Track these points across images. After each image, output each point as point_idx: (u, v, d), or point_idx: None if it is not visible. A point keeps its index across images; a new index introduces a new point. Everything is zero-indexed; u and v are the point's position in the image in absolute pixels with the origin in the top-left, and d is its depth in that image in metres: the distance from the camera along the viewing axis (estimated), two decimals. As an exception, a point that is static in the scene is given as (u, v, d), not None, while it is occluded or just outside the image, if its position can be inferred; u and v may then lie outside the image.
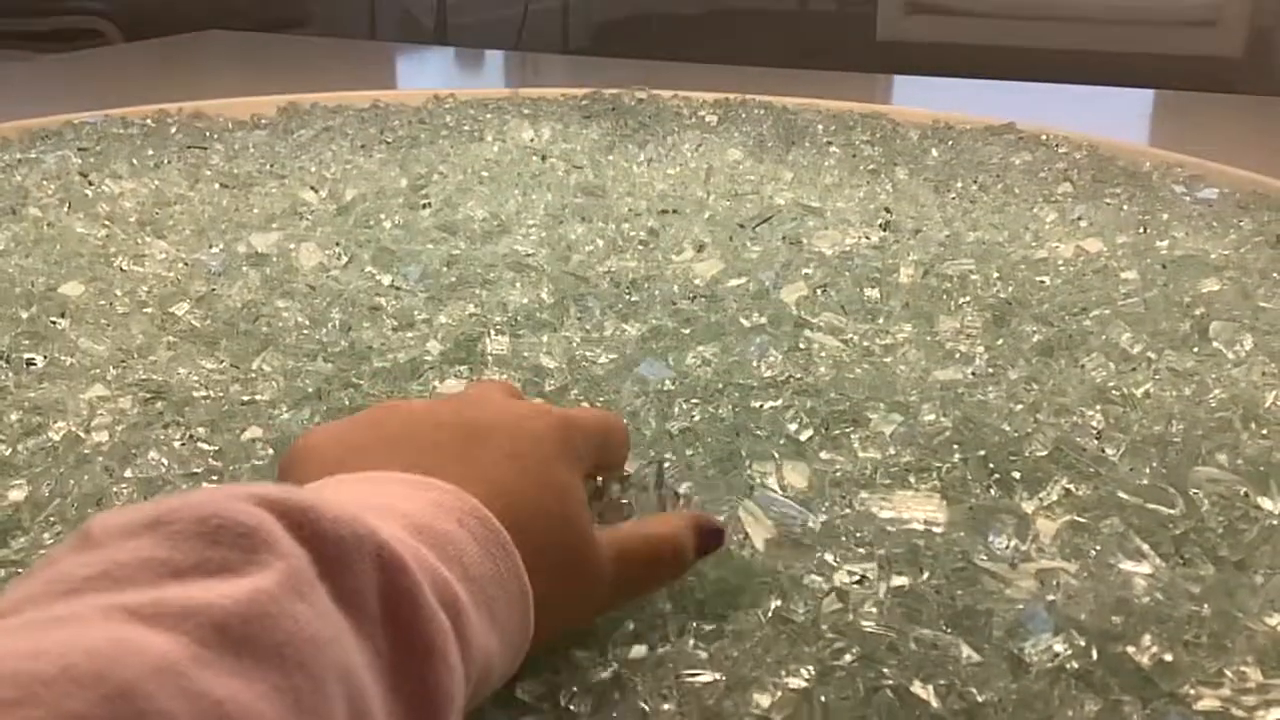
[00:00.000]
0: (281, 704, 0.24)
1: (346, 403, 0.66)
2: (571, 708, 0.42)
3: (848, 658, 0.45)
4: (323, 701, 0.25)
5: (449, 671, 0.30)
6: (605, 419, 0.51)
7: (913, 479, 0.58)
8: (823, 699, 0.43)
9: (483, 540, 0.36)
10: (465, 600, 0.33)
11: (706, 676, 0.43)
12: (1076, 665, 0.45)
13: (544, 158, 1.21)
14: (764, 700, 0.42)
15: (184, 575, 0.25)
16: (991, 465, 0.60)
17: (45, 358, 0.70)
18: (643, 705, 0.42)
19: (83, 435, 0.62)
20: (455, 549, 0.34)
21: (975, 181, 1.19)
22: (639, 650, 0.44)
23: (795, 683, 0.43)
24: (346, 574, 0.28)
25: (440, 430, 0.41)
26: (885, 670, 0.44)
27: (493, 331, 0.74)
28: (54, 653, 0.22)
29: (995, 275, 0.87)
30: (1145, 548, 0.52)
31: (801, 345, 0.73)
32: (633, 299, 0.81)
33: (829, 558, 0.50)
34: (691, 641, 0.45)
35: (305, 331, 0.75)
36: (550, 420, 0.44)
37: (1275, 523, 0.56)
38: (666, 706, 0.42)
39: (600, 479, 0.51)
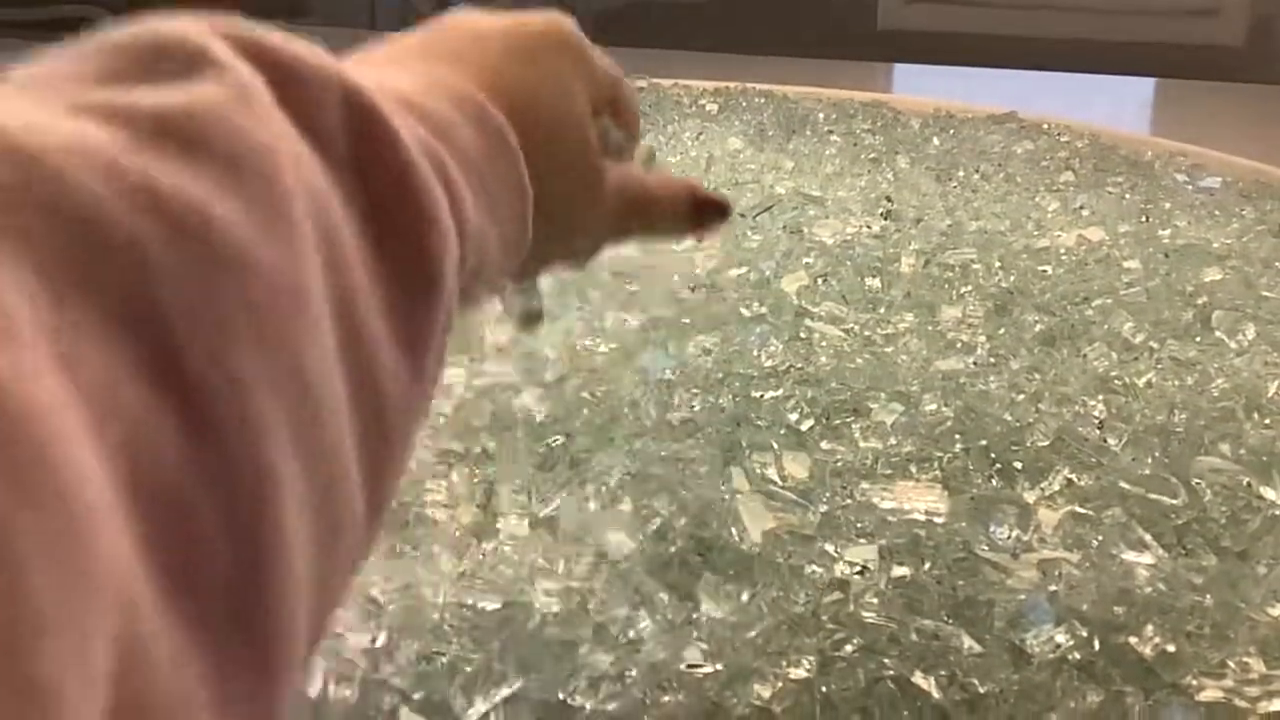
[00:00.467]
0: (235, 202, 0.20)
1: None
2: (570, 701, 0.42)
3: (849, 648, 0.44)
4: (287, 221, 0.21)
5: (440, 236, 0.27)
6: (610, 62, 0.47)
7: (914, 469, 0.58)
8: (824, 689, 0.43)
9: (479, 124, 0.33)
10: (457, 174, 0.30)
11: (708, 668, 0.43)
12: (1078, 656, 0.45)
13: (544, 146, 1.21)
14: (764, 691, 0.42)
15: (121, 81, 0.21)
16: (993, 455, 0.59)
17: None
18: (642, 697, 0.42)
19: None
20: (448, 126, 0.32)
21: (977, 170, 1.18)
22: (641, 637, 0.44)
23: (796, 673, 0.43)
24: (309, 106, 0.24)
25: (451, 32, 0.39)
26: (886, 661, 0.44)
27: (492, 322, 0.74)
28: None
29: (997, 264, 0.87)
30: (1147, 538, 0.52)
31: (802, 335, 0.73)
32: (633, 288, 0.81)
33: (829, 548, 0.50)
34: (694, 633, 0.45)
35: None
36: (565, 27, 0.42)
37: (1278, 513, 0.55)
38: (666, 699, 0.42)
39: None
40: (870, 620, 0.46)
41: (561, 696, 0.42)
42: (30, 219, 0.17)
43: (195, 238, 0.19)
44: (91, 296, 0.17)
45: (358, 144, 0.25)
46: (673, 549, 0.51)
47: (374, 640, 0.45)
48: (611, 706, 0.42)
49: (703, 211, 0.46)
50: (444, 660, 0.44)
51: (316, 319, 0.22)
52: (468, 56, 0.36)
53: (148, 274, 0.18)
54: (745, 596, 0.47)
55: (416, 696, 0.43)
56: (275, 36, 0.25)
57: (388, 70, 0.33)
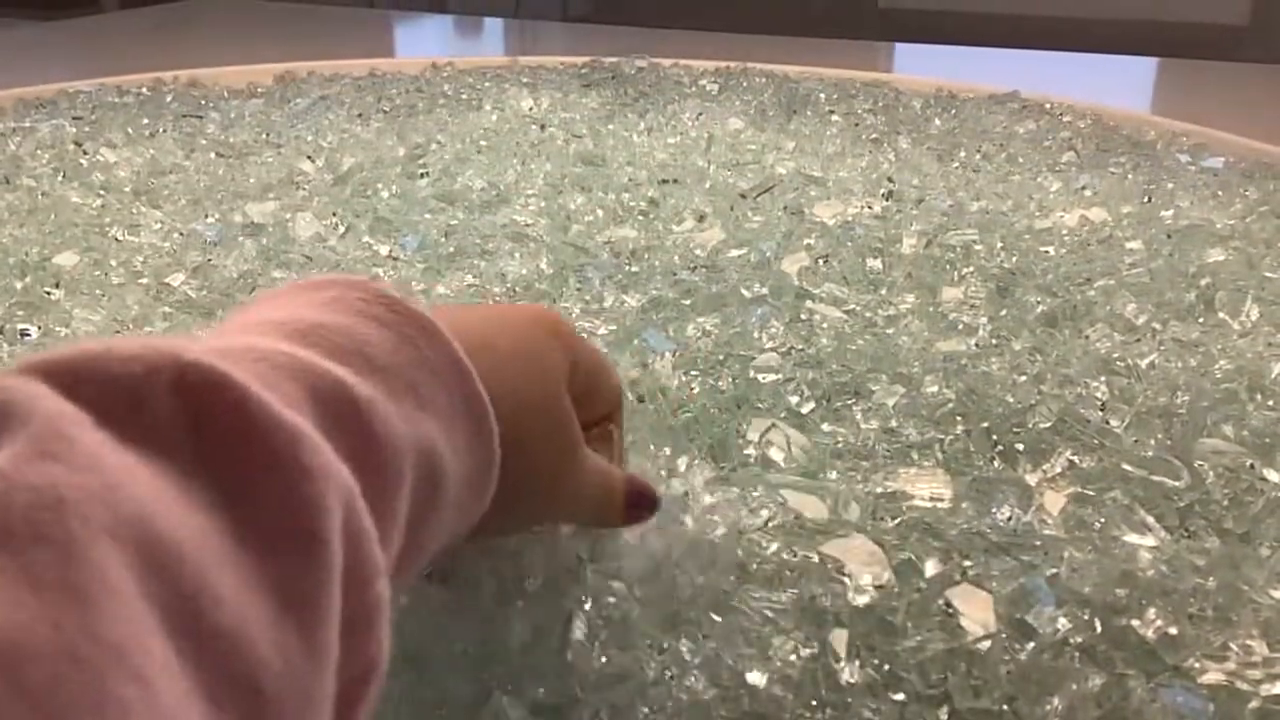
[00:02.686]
0: (12, 586, 0.20)
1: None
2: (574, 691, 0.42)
3: (850, 634, 0.44)
4: (78, 569, 0.20)
5: (315, 480, 0.25)
6: (603, 357, 0.47)
7: (915, 455, 0.57)
8: (826, 675, 0.42)
9: (393, 324, 0.32)
10: (366, 390, 0.29)
11: (702, 653, 0.43)
12: (1080, 639, 0.44)
13: (543, 127, 1.20)
14: (765, 678, 0.42)
15: None
16: (995, 437, 0.59)
17: (40, 329, 0.70)
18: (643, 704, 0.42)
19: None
20: (353, 341, 0.31)
21: (979, 150, 1.18)
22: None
23: (796, 659, 0.43)
24: (137, 413, 0.24)
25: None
26: (889, 645, 0.44)
27: (491, 302, 0.74)
28: None
29: (999, 245, 0.86)
30: (1150, 520, 0.52)
31: (803, 316, 0.73)
32: (633, 269, 0.81)
33: (833, 534, 0.50)
34: (700, 620, 0.45)
35: (302, 302, 0.75)
36: (547, 315, 0.42)
37: (1281, 495, 0.55)
38: (660, 686, 0.42)
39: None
40: (872, 605, 0.46)
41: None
42: None
43: None
44: None
45: (198, 419, 0.25)
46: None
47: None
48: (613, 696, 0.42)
49: (636, 506, 0.45)
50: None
51: (132, 674, 0.20)
52: (440, 315, 0.35)
53: None
54: (746, 583, 0.47)
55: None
56: (103, 354, 0.25)
57: (291, 301, 0.33)
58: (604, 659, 0.43)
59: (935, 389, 0.63)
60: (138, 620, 0.20)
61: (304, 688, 0.23)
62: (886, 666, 0.43)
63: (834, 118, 1.30)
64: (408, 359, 0.32)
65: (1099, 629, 0.45)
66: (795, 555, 0.48)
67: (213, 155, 1.10)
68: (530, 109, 1.29)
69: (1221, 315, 0.75)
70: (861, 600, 0.46)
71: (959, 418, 0.61)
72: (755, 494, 0.52)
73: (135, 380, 0.24)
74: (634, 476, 0.45)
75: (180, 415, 0.24)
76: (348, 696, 0.26)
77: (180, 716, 0.20)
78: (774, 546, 0.49)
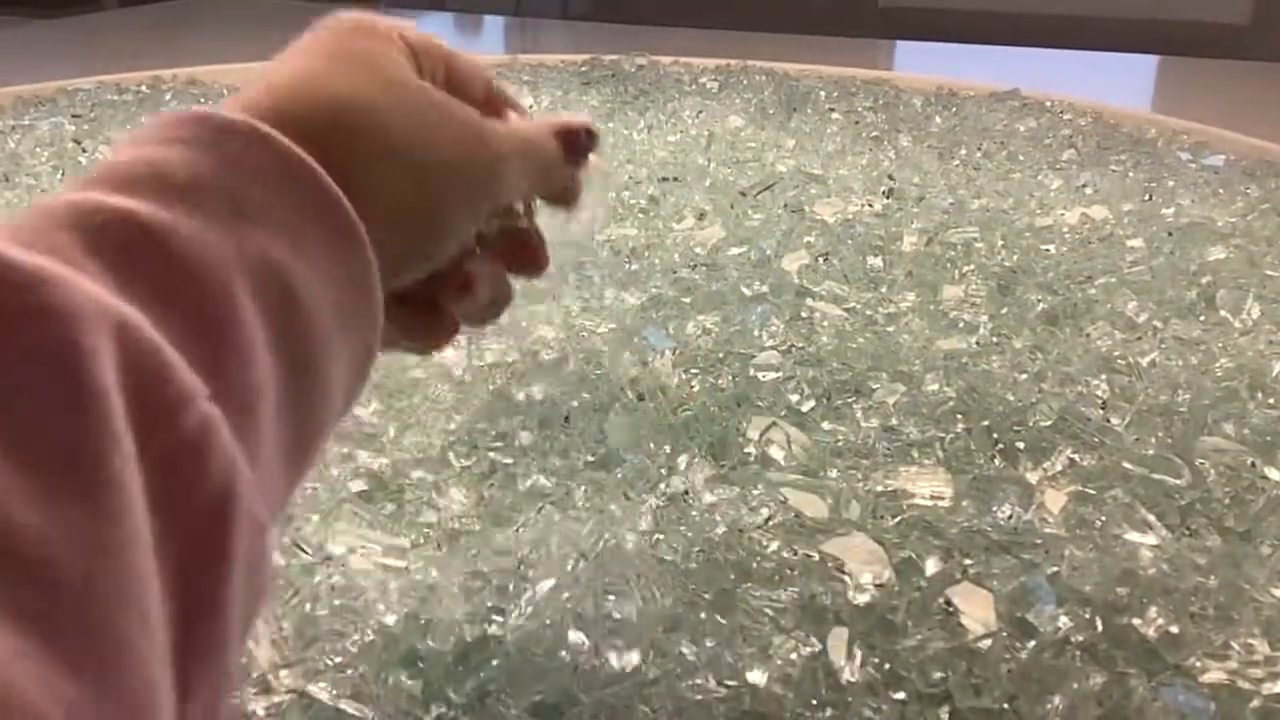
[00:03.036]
0: None
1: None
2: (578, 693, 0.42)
3: (851, 632, 0.44)
4: None
5: (64, 322, 0.22)
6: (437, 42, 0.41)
7: (915, 454, 0.57)
8: (826, 674, 0.42)
9: (199, 139, 0.28)
10: (161, 215, 0.26)
11: (706, 650, 0.43)
12: (1081, 638, 0.44)
13: (543, 124, 1.20)
14: (765, 676, 0.42)
15: None
16: (995, 435, 0.59)
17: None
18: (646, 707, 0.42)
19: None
20: (147, 167, 0.27)
21: (979, 148, 1.17)
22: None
23: (797, 658, 0.42)
24: None
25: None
26: (889, 644, 0.44)
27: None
28: None
29: (999, 243, 0.86)
30: (1151, 518, 0.51)
31: (803, 314, 0.73)
32: (633, 267, 0.81)
33: (833, 533, 0.50)
34: (699, 617, 0.45)
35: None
36: (361, 21, 0.37)
37: (1282, 493, 0.55)
38: (661, 675, 0.42)
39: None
40: (873, 603, 0.46)
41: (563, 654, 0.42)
42: None
43: None
44: None
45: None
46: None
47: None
48: (611, 691, 0.42)
49: (572, 141, 0.41)
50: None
51: None
52: (255, 100, 0.32)
53: None
54: (745, 582, 0.47)
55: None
56: None
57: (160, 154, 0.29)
58: (603, 658, 0.42)
59: (936, 387, 0.63)
60: None
61: (91, 544, 0.21)
62: (887, 665, 0.43)
63: (834, 116, 1.29)
64: (221, 173, 0.28)
65: (1100, 628, 0.45)
66: (795, 554, 0.48)
67: (212, 153, 1.09)
68: (530, 107, 1.28)
69: (1223, 313, 0.75)
70: (862, 599, 0.46)
71: (959, 416, 0.60)
72: (755, 492, 0.52)
73: None
74: (554, 118, 0.41)
75: None
76: (203, 540, 0.23)
77: None
78: (774, 545, 0.49)
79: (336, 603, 0.45)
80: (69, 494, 0.21)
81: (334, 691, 0.41)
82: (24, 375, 0.21)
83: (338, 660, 0.42)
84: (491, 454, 0.57)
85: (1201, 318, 0.75)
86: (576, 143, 0.41)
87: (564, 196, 0.44)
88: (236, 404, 0.25)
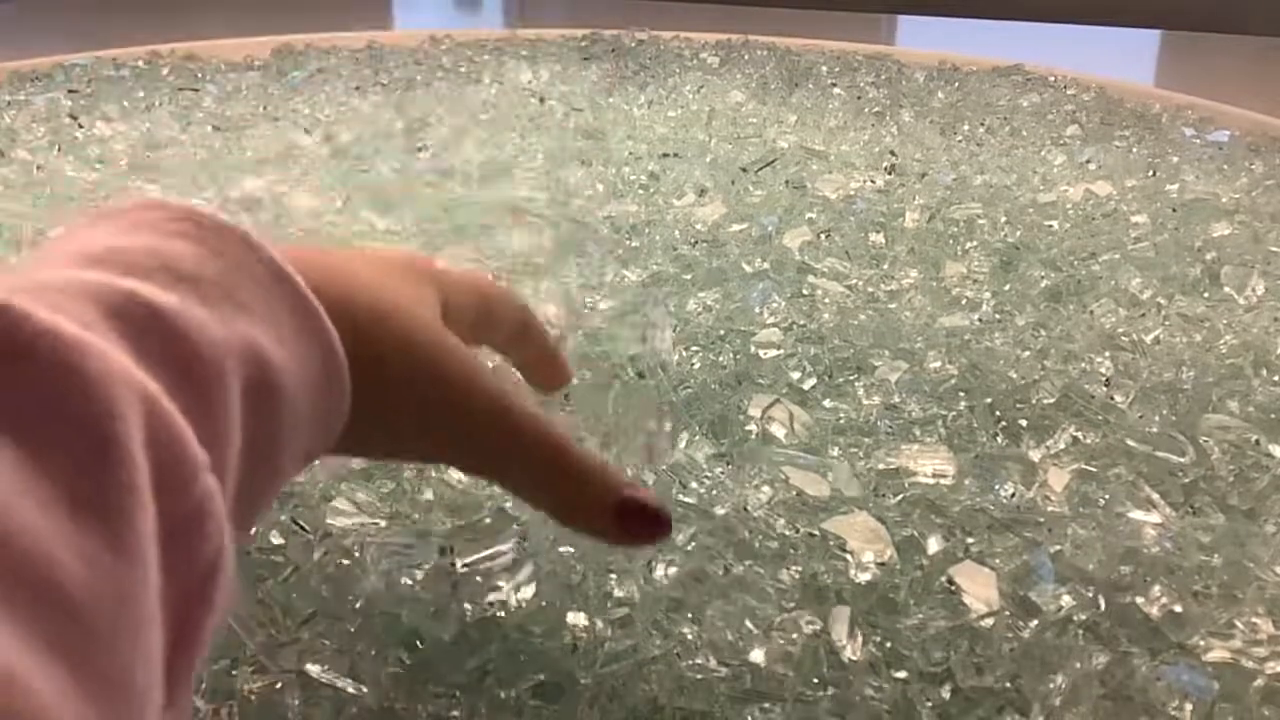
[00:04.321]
0: None
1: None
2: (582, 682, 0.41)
3: (852, 611, 0.44)
4: None
5: (102, 387, 0.24)
6: (486, 278, 0.45)
7: (918, 431, 0.57)
8: (828, 653, 0.42)
9: (201, 238, 0.31)
10: (169, 298, 0.28)
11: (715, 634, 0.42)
12: (1084, 616, 0.44)
13: (542, 100, 1.19)
14: (766, 655, 0.42)
15: None
16: (998, 413, 0.59)
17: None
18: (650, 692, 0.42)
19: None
20: (154, 258, 0.30)
21: (982, 124, 1.17)
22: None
23: (798, 637, 0.42)
24: None
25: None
26: (891, 623, 0.44)
27: (490, 278, 0.73)
28: None
29: (1003, 219, 0.86)
30: (1155, 496, 0.51)
31: (805, 291, 0.72)
32: (633, 244, 0.80)
33: (835, 511, 0.49)
34: (702, 596, 0.45)
35: (300, 277, 0.74)
36: (418, 257, 0.41)
37: (1286, 471, 0.55)
38: (662, 667, 0.41)
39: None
40: (875, 581, 0.45)
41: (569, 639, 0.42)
42: None
43: None
44: None
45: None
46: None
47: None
48: (611, 668, 0.41)
49: (633, 517, 0.37)
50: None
51: None
52: (296, 254, 0.34)
53: None
54: (745, 561, 0.47)
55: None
56: None
57: (92, 233, 0.31)
58: (606, 637, 0.42)
59: (938, 365, 0.63)
60: None
61: (117, 587, 0.23)
62: (889, 644, 0.43)
63: (836, 91, 1.28)
64: (218, 268, 0.31)
65: (1103, 606, 0.45)
66: (797, 532, 0.48)
67: (209, 129, 1.09)
68: (529, 82, 1.28)
69: (1227, 290, 0.74)
70: (864, 578, 0.46)
71: (962, 394, 0.60)
72: (756, 470, 0.51)
73: None
74: (636, 485, 0.37)
75: None
76: (195, 596, 0.26)
77: None
78: (776, 523, 0.48)
79: (334, 582, 0.45)
80: (104, 545, 0.23)
81: (332, 671, 0.41)
82: (63, 434, 0.23)
83: (336, 640, 0.42)
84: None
85: (1205, 294, 0.74)
86: (640, 522, 0.37)
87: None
88: (219, 474, 0.28)
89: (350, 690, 0.40)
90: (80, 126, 1.07)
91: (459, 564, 0.45)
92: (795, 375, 0.62)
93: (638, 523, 0.36)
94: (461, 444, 0.37)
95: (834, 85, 1.31)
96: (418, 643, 0.43)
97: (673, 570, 0.45)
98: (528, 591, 0.44)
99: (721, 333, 0.66)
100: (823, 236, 0.80)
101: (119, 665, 0.22)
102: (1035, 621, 0.44)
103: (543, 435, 0.37)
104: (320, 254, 0.36)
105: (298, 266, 0.33)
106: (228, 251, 0.31)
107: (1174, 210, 0.89)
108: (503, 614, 0.43)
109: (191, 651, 0.26)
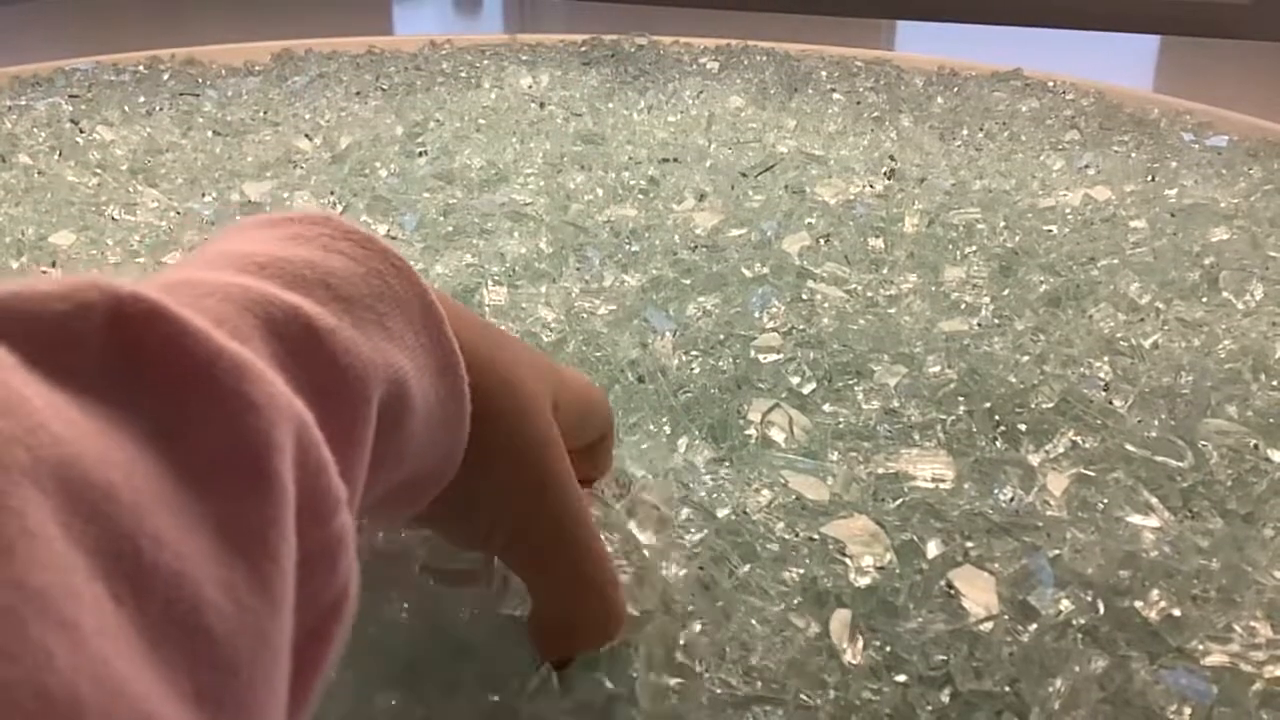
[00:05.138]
0: None
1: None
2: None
3: (852, 615, 0.44)
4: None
5: (260, 413, 0.24)
6: (586, 385, 0.45)
7: (917, 436, 0.57)
8: (827, 656, 0.42)
9: (360, 258, 0.31)
10: (327, 319, 0.28)
11: (710, 635, 0.42)
12: (1083, 621, 0.44)
13: (542, 105, 1.19)
14: (765, 658, 0.42)
15: None
16: (997, 417, 0.59)
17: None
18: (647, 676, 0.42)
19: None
20: (315, 272, 0.30)
21: (981, 129, 1.17)
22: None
23: (802, 638, 0.42)
24: (68, 351, 0.22)
25: None
26: (890, 626, 0.44)
27: (490, 282, 0.73)
28: None
29: (1002, 224, 0.86)
30: (1153, 501, 0.51)
31: (804, 296, 0.72)
32: (633, 249, 0.80)
33: (834, 515, 0.49)
34: (701, 600, 0.45)
35: (300, 282, 0.74)
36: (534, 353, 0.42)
37: (1285, 476, 0.55)
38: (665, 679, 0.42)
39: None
40: (873, 585, 0.46)
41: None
42: None
43: None
44: None
45: (134, 354, 0.23)
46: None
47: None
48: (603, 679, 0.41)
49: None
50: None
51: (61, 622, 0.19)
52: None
53: None
54: (746, 563, 0.47)
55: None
56: (27, 290, 0.23)
57: (254, 236, 0.31)
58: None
59: (937, 369, 0.63)
60: (64, 566, 0.19)
61: (258, 628, 0.22)
62: (888, 648, 0.43)
63: (835, 96, 1.29)
64: (374, 291, 0.31)
65: (1102, 610, 0.45)
66: (796, 536, 0.48)
67: (210, 134, 1.09)
68: (529, 87, 1.28)
69: (1225, 295, 0.74)
70: (863, 581, 0.46)
71: (961, 398, 0.60)
72: (756, 474, 0.52)
73: (66, 316, 0.22)
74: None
75: (114, 351, 0.23)
76: (316, 633, 0.25)
77: (113, 661, 0.19)
78: (775, 527, 0.49)
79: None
80: (250, 579, 0.22)
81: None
82: (221, 456, 0.23)
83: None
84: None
85: (1204, 299, 0.75)
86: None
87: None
88: (351, 503, 0.27)
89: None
90: (81, 131, 1.07)
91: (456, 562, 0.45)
92: (795, 380, 0.62)
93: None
94: (524, 550, 0.39)
95: (833, 90, 1.31)
96: (414, 667, 0.43)
97: (672, 572, 0.45)
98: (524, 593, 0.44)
99: (721, 337, 0.66)
100: (822, 241, 0.81)
101: (254, 712, 0.21)
102: (1034, 625, 0.44)
103: (594, 566, 0.40)
104: (473, 315, 0.37)
105: (449, 313, 0.34)
106: (383, 275, 0.31)
107: (1173, 215, 0.89)
108: (503, 615, 0.43)
109: (308, 691, 0.25)
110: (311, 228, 0.32)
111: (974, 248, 0.81)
